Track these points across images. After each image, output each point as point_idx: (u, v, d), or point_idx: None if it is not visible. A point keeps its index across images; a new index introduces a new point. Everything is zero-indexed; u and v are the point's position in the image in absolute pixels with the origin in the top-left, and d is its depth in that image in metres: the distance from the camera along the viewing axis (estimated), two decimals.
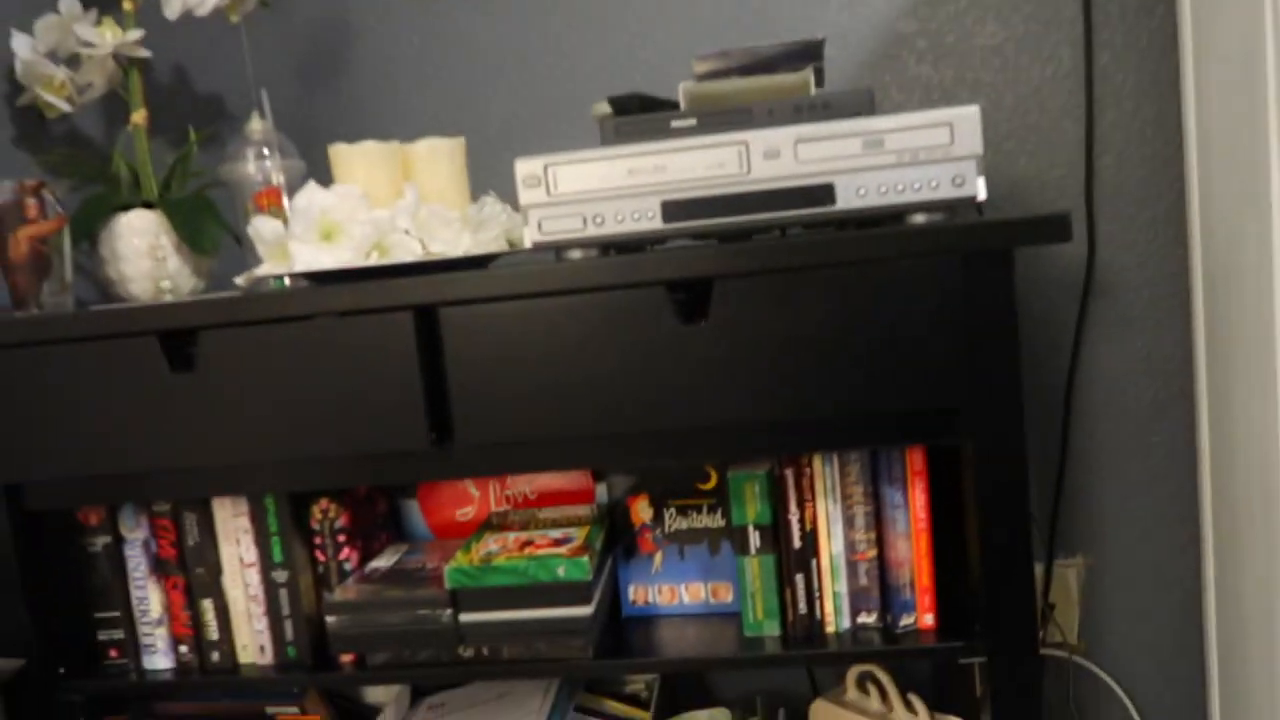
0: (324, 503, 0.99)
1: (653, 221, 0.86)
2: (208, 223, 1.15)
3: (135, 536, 1.02)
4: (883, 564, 0.92)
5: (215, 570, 1.01)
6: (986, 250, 0.81)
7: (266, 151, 1.17)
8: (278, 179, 1.17)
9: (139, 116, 1.16)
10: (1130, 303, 1.17)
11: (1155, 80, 1.13)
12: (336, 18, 1.40)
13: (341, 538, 1.00)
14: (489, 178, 1.31)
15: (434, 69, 1.37)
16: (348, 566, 1.00)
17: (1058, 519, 1.21)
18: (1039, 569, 1.21)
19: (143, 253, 1.13)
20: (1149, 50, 1.13)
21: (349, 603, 0.94)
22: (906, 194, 0.83)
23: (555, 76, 1.33)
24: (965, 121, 0.82)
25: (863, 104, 0.89)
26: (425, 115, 1.36)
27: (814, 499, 0.92)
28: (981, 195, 0.82)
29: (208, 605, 1.01)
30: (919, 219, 0.84)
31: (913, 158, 0.83)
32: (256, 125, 1.18)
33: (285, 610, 0.99)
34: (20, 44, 1.13)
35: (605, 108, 0.96)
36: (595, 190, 0.87)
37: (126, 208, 1.13)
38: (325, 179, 1.03)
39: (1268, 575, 0.85)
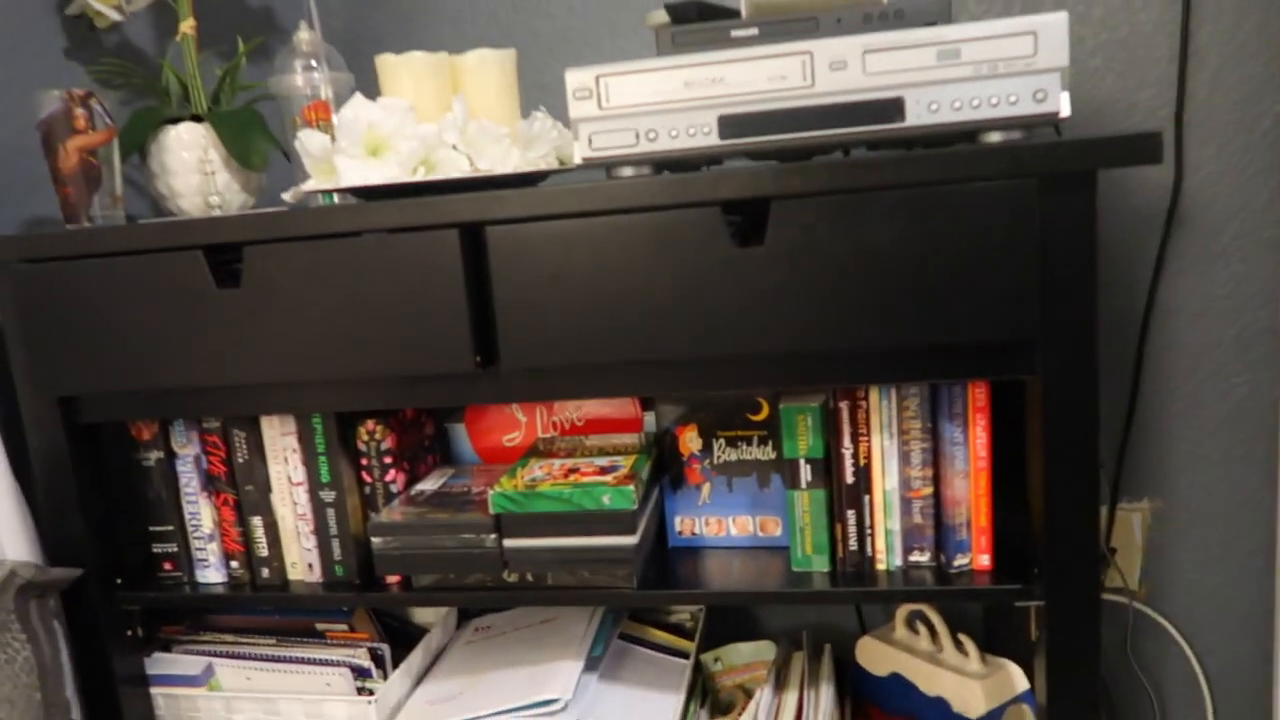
0: (370, 424, 0.98)
1: (709, 137, 0.82)
2: (256, 137, 1.13)
3: (187, 452, 1.03)
4: (938, 502, 0.89)
5: (264, 488, 1.01)
6: (1067, 172, 0.75)
7: (314, 64, 1.15)
8: (326, 92, 1.15)
9: (187, 26, 1.13)
10: (1216, 234, 1.09)
11: None
12: None
13: (388, 459, 0.99)
14: (541, 93, 1.27)
15: None
16: (394, 488, 1.00)
17: (1124, 460, 1.16)
18: (1102, 512, 1.17)
19: (192, 167, 1.12)
20: None
21: (394, 524, 0.94)
22: (983, 110, 0.77)
23: None
24: (1051, 30, 0.75)
25: (939, 12, 0.82)
26: (477, 25, 1.31)
27: (869, 433, 0.88)
28: (1065, 112, 0.76)
29: (257, 523, 1.02)
30: (995, 137, 0.79)
31: (991, 70, 0.77)
32: (304, 36, 1.15)
33: (333, 530, 0.99)
34: None
35: (662, 16, 0.91)
36: (649, 104, 0.82)
37: (175, 121, 1.11)
38: (373, 92, 1.00)
39: None
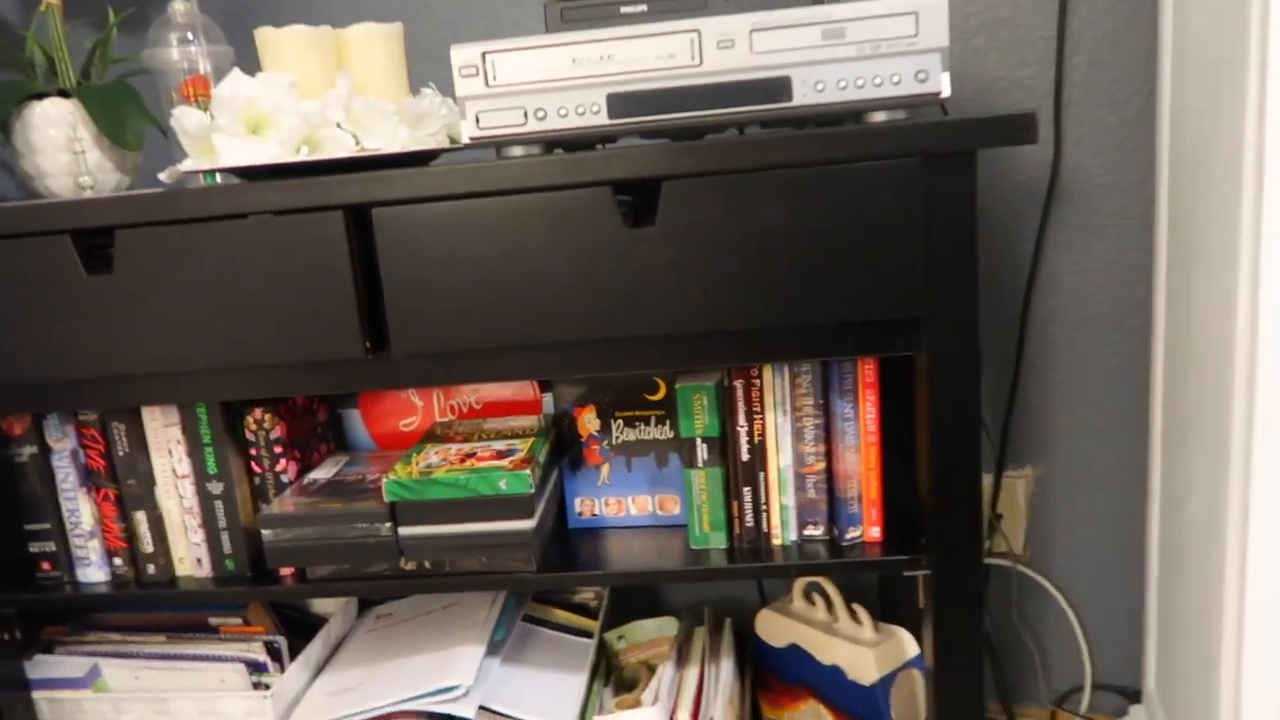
0: (258, 412, 0.95)
1: (598, 116, 0.81)
2: (130, 113, 1.07)
3: (62, 447, 0.98)
4: (831, 477, 0.91)
5: (148, 482, 0.97)
6: (948, 152, 0.76)
7: (191, 36, 1.09)
8: (204, 66, 1.10)
9: None
10: (1094, 210, 1.14)
11: None
12: None
13: (278, 448, 0.96)
14: (432, 68, 1.23)
15: None
16: (285, 478, 0.97)
17: (1009, 430, 1.21)
18: (988, 480, 1.21)
19: (60, 145, 1.05)
20: None
21: (285, 515, 0.91)
22: (867, 89, 0.78)
23: None
24: (931, 11, 0.77)
25: None
26: (364, 3, 1.27)
27: (763, 411, 0.89)
28: (946, 91, 0.78)
29: (141, 518, 0.98)
30: (879, 117, 0.80)
31: (874, 50, 0.78)
32: (180, 7, 1.10)
33: (222, 523, 0.96)
34: None
35: None
36: (537, 81, 0.81)
37: (41, 96, 1.05)
38: (254, 68, 0.96)
39: (1211, 488, 0.84)
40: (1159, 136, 1.02)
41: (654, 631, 1.18)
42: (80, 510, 0.99)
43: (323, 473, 1.00)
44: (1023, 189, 1.15)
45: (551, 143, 0.84)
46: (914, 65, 0.78)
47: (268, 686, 0.99)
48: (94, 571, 1.00)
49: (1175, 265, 0.98)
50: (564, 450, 1.00)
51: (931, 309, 0.80)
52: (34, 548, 1.00)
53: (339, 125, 0.93)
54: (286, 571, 0.96)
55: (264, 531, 0.92)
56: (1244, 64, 0.73)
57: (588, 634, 1.12)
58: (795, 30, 0.78)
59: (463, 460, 0.92)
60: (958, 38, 1.13)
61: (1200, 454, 0.90)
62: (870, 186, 0.77)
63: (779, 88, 0.79)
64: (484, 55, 0.81)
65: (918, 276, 0.79)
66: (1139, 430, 1.18)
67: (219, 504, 0.96)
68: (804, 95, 0.79)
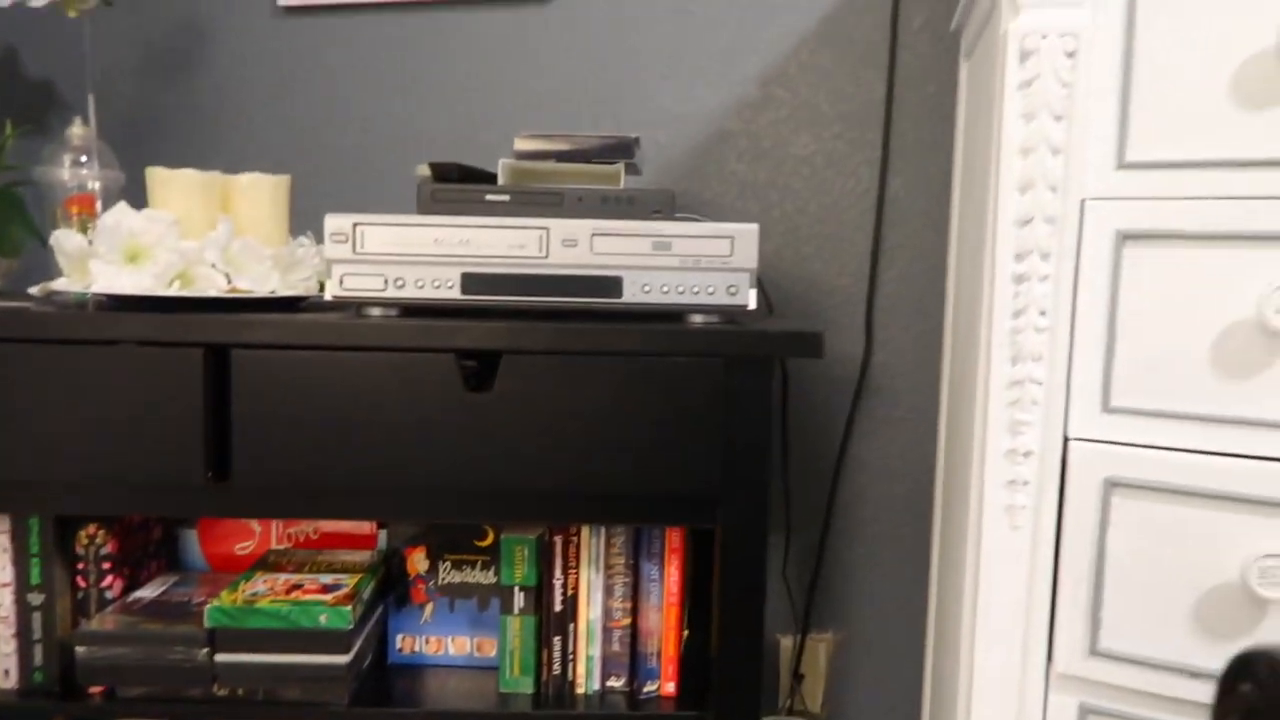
0: (92, 528, 0.98)
1: (452, 291, 0.91)
2: (11, 222, 1.12)
3: None
4: (635, 632, 0.99)
5: None
6: (748, 357, 0.89)
7: (84, 159, 1.16)
8: (92, 186, 1.16)
9: None
10: (895, 404, 1.29)
11: (937, 210, 1.27)
12: (189, 24, 1.39)
13: (106, 565, 0.98)
14: (316, 218, 1.32)
15: (288, 98, 1.39)
16: (109, 595, 0.99)
17: (814, 596, 1.32)
18: (793, 641, 1.31)
19: None
20: (933, 183, 1.27)
21: (101, 633, 0.93)
22: (686, 295, 0.91)
23: (406, 125, 1.37)
24: (745, 237, 0.91)
25: (664, 203, 0.96)
26: (259, 144, 1.37)
27: (578, 566, 0.97)
28: (752, 305, 0.91)
29: None
30: (697, 319, 0.92)
31: (695, 263, 0.91)
32: (78, 130, 1.17)
33: (37, 634, 0.97)
34: None
35: (426, 170, 1.00)
36: (400, 254, 0.91)
37: None
38: (143, 194, 1.03)
39: (965, 666, 0.96)
40: (944, 350, 1.19)
41: None
42: None
43: (149, 591, 1.02)
44: (839, 379, 1.30)
45: (407, 309, 0.93)
46: (727, 280, 0.91)
47: None
48: None
49: (950, 463, 1.13)
50: (392, 586, 1.05)
51: (727, 490, 0.90)
52: None
53: (213, 265, 1.00)
54: (96, 690, 0.96)
55: (78, 648, 0.93)
56: (980, 302, 0.89)
57: None
58: (630, 239, 0.91)
59: (288, 591, 0.96)
60: (790, 244, 1.29)
61: (959, 636, 1.02)
62: (680, 379, 0.89)
63: (612, 285, 0.91)
64: (355, 225, 0.91)
65: (716, 460, 0.90)
66: (923, 604, 1.31)
67: (37, 615, 0.97)
68: (632, 294, 0.91)
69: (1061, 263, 0.78)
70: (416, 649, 1.05)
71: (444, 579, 1.04)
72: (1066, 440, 0.80)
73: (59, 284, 1.00)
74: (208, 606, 0.92)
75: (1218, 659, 0.77)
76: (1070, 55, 0.77)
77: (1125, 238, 0.77)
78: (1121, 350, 0.78)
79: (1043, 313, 0.79)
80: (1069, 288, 0.79)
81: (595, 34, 1.32)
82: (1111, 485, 0.79)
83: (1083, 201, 0.78)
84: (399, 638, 1.05)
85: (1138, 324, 0.78)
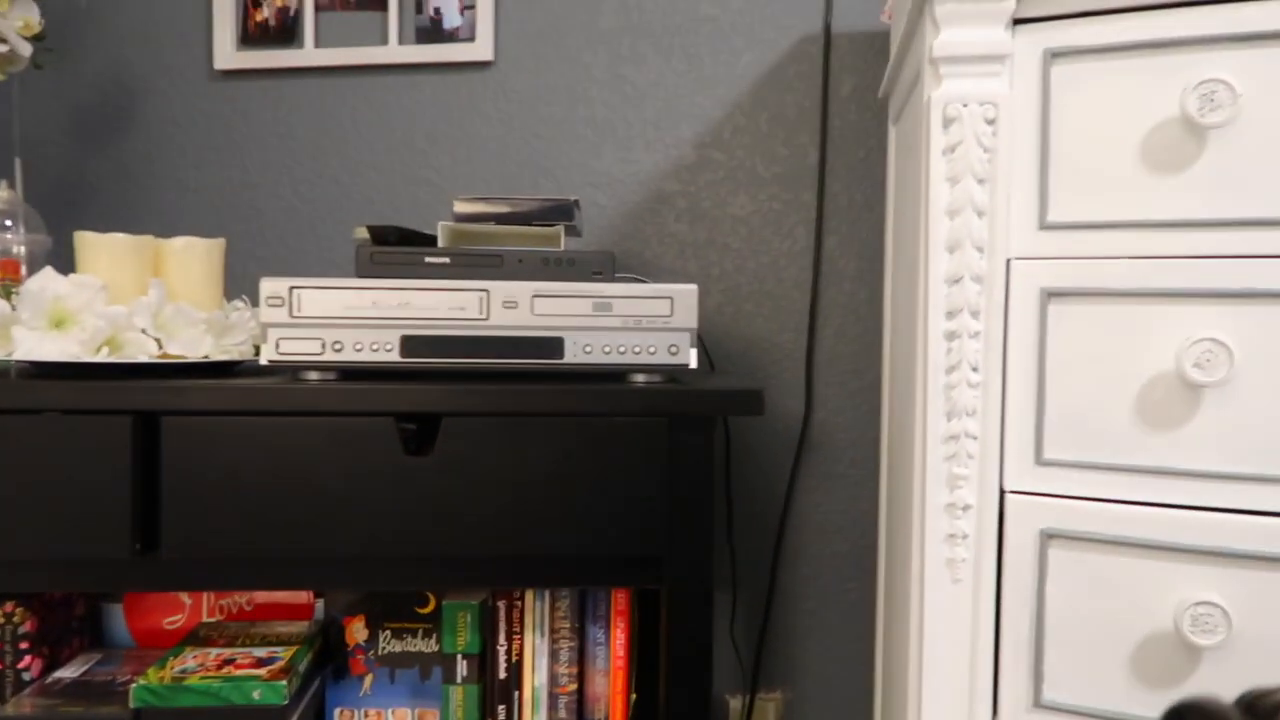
0: (9, 606, 0.93)
1: (391, 354, 0.90)
2: None
3: None
4: (581, 698, 0.97)
5: None
6: (690, 415, 0.89)
7: (9, 223, 1.13)
8: (17, 250, 1.13)
9: None
10: (837, 460, 1.31)
11: (871, 268, 1.30)
12: (121, 86, 1.38)
13: (24, 644, 0.94)
14: (250, 282, 1.31)
15: (222, 161, 1.38)
16: (27, 676, 0.94)
17: (762, 654, 1.31)
18: (741, 701, 1.30)
19: None
20: (868, 241, 1.30)
21: (18, 717, 0.88)
22: (628, 355, 0.91)
23: (343, 188, 1.37)
24: (684, 297, 0.92)
25: (604, 264, 0.97)
26: (203, 205, 1.35)
27: (523, 632, 0.96)
28: (693, 364, 0.92)
29: None
30: (639, 379, 0.93)
31: (636, 324, 0.91)
32: (3, 194, 1.14)
33: None
34: None
35: (364, 233, 1.00)
36: (338, 317, 0.90)
37: None
38: (70, 260, 1.01)
39: None
40: (883, 406, 1.21)
41: None
42: None
43: (70, 671, 0.98)
44: (780, 436, 1.31)
45: (345, 372, 0.92)
46: (668, 340, 0.92)
47: None
48: None
49: (890, 519, 1.14)
50: (329, 658, 1.02)
51: (670, 549, 0.90)
52: None
53: (144, 330, 0.98)
54: None
55: None
56: (914, 360, 0.91)
57: None
58: (571, 299, 0.91)
59: (220, 666, 0.93)
60: (731, 301, 1.31)
61: (904, 698, 1.02)
62: (623, 439, 0.89)
63: (553, 346, 0.91)
64: (291, 289, 0.90)
65: (659, 520, 0.89)
66: (868, 663, 1.31)
67: None
68: (574, 354, 0.91)
69: (991, 320, 0.81)
70: None
71: (384, 648, 1.01)
72: (1003, 493, 0.82)
73: None
74: (133, 686, 0.88)
75: (1155, 708, 0.79)
76: (990, 122, 0.81)
77: (1050, 295, 0.80)
78: (1051, 404, 0.80)
79: (974, 368, 0.81)
80: (999, 344, 0.81)
81: (534, 99, 1.34)
82: (1048, 537, 0.80)
83: (1008, 261, 0.81)
84: (337, 711, 1.01)
85: (1066, 378, 0.80)
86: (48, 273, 0.96)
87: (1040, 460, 0.81)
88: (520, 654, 0.95)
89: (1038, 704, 0.81)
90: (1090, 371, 0.79)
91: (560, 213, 1.03)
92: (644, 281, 0.93)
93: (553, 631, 0.96)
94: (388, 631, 1.01)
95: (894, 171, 1.18)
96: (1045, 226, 0.80)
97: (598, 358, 0.91)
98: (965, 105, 0.81)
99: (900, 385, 1.08)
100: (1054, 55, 0.80)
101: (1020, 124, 0.81)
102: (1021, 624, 0.81)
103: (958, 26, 0.80)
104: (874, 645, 1.30)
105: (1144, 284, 0.77)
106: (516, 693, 0.96)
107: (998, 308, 0.81)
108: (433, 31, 1.35)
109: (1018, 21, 0.81)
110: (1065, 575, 0.80)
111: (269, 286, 0.89)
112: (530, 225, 1.01)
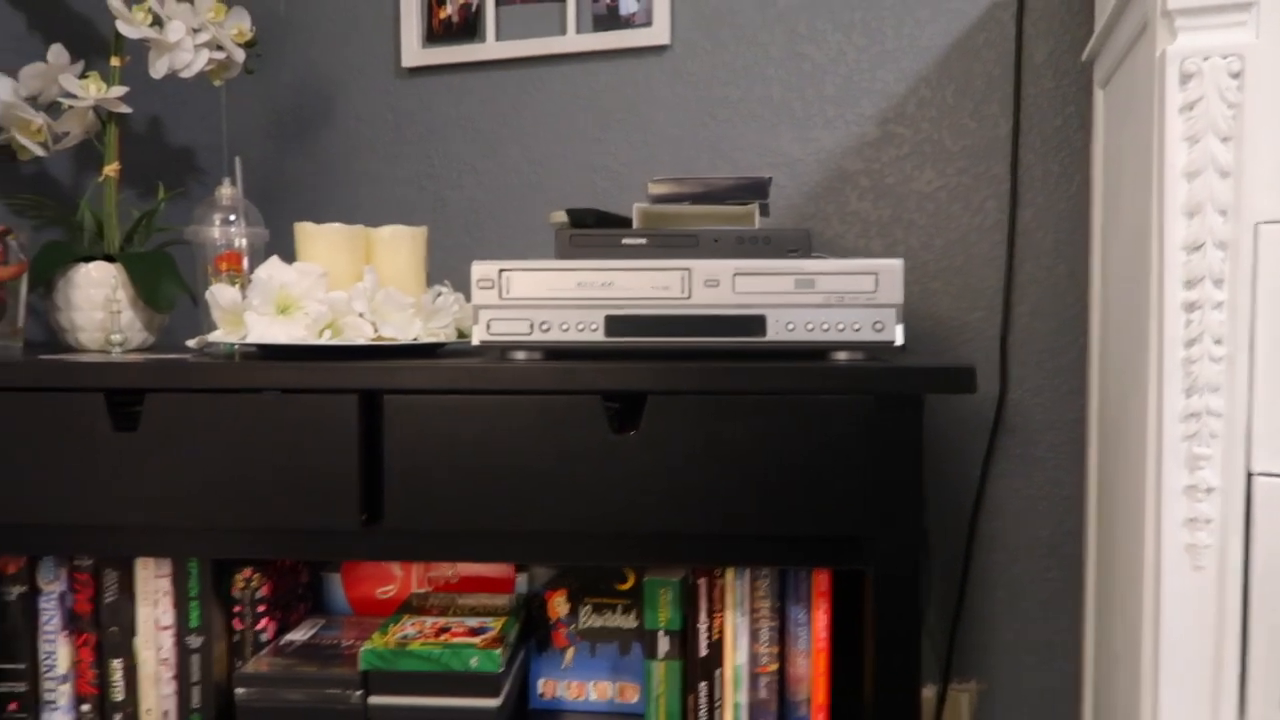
0: (247, 571, 1.01)
1: (595, 333, 0.92)
2: (166, 280, 1.17)
3: (52, 589, 1.02)
4: (782, 679, 0.97)
5: (129, 630, 1.01)
6: (897, 393, 0.87)
7: (233, 218, 1.21)
8: (240, 243, 1.21)
9: (111, 169, 1.19)
10: (1034, 443, 1.25)
11: (1071, 241, 1.23)
12: (315, 88, 1.46)
13: (261, 608, 1.01)
14: (454, 264, 1.36)
15: (410, 154, 1.43)
16: (264, 637, 1.01)
17: (955, 644, 1.27)
18: (934, 691, 1.26)
19: (98, 304, 1.15)
20: (1066, 213, 1.23)
21: (260, 675, 0.95)
22: (831, 333, 0.90)
23: (523, 177, 1.41)
24: (889, 273, 0.89)
25: (800, 242, 0.96)
26: (393, 198, 1.42)
27: (723, 610, 0.96)
28: (899, 341, 0.90)
29: (117, 665, 1.01)
30: (841, 356, 0.91)
31: (839, 300, 0.90)
32: (226, 191, 1.22)
33: (195, 677, 1.00)
34: (2, 87, 1.15)
35: (562, 217, 1.02)
36: (544, 298, 0.92)
37: (89, 259, 1.15)
38: (288, 246, 1.07)
39: (1146, 717, 0.91)
40: (1089, 385, 1.15)
41: None
42: (58, 653, 1.02)
43: (299, 634, 1.04)
44: (973, 419, 1.26)
45: (551, 352, 0.94)
46: (872, 316, 0.90)
47: None
48: (60, 716, 1.02)
49: (1102, 503, 1.08)
50: (532, 631, 1.06)
51: (877, 530, 0.88)
52: (3, 688, 1.03)
53: (361, 315, 1.04)
54: None
55: (237, 690, 0.95)
56: (1146, 336, 0.85)
57: None
58: (772, 277, 0.90)
59: (437, 634, 0.97)
60: (917, 280, 1.27)
61: (1125, 687, 0.97)
62: (828, 417, 0.88)
63: (755, 324, 0.91)
64: (500, 272, 0.93)
65: (866, 500, 0.88)
66: (1074, 652, 1.25)
67: (195, 658, 1.00)
68: (776, 333, 0.90)
69: (1236, 289, 0.75)
70: (558, 694, 1.04)
71: (585, 623, 1.04)
72: (1250, 475, 0.76)
73: (214, 336, 1.05)
74: (362, 649, 0.94)
75: None
76: (1235, 75, 0.75)
77: None
78: None
79: (1218, 341, 0.76)
80: (1246, 315, 0.75)
81: (710, 81, 1.34)
82: None
83: (1256, 225, 0.75)
84: (540, 682, 1.05)
85: None
86: (274, 262, 1.02)
87: None
88: (721, 632, 0.96)
89: None
90: None
91: (754, 190, 1.02)
92: (845, 259, 0.91)
93: (753, 610, 0.96)
94: (588, 606, 1.04)
95: (1102, 137, 1.12)
96: None
97: (800, 335, 0.90)
98: (1206, 59, 0.75)
99: (1115, 363, 1.02)
100: None
101: (1269, 75, 0.75)
102: (1273, 615, 0.76)
103: None
104: (1079, 635, 1.24)
105: None
106: (718, 670, 0.96)
107: (1244, 276, 0.75)
108: (609, 18, 1.36)
109: None
110: None
111: (480, 270, 0.93)
112: (724, 204, 1.01)
